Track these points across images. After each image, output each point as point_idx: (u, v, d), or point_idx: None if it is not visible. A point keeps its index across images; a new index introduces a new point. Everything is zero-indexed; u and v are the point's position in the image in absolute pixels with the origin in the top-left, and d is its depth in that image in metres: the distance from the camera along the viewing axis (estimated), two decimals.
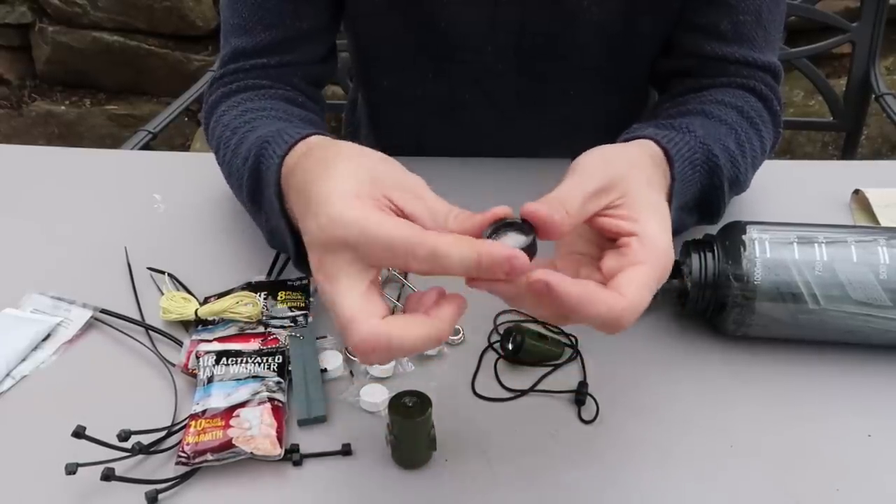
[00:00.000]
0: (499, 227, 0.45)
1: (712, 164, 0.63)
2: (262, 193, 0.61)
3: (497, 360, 0.63)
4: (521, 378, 0.61)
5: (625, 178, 0.49)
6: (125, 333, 0.65)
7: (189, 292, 0.68)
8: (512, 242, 0.45)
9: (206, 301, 0.66)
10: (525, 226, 0.45)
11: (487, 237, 0.45)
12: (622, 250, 0.47)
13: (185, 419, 0.56)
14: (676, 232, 0.59)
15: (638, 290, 0.45)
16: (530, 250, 0.44)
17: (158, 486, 0.51)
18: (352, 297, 0.44)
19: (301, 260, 0.57)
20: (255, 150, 0.60)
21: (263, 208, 0.62)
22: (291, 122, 0.68)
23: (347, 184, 0.46)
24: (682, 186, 0.59)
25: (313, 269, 0.46)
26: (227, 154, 0.68)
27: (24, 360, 0.63)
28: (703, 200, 0.65)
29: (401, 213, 0.46)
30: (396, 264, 0.44)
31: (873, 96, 1.36)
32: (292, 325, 0.64)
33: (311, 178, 0.49)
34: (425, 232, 0.44)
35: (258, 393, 0.57)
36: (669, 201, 0.57)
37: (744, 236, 0.61)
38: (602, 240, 0.51)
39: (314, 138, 0.57)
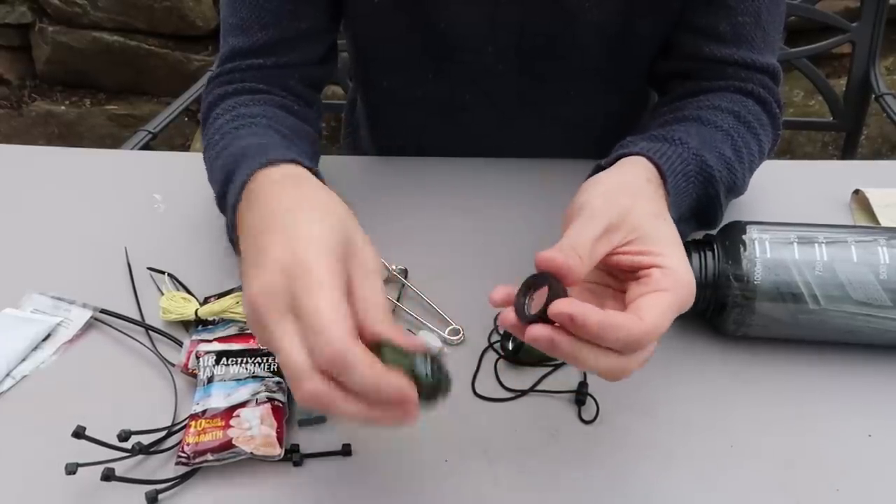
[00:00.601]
0: (528, 284, 0.47)
1: (707, 174, 0.63)
2: (224, 208, 0.62)
3: (497, 360, 0.63)
4: (521, 378, 0.61)
5: (631, 212, 0.50)
6: (125, 333, 0.65)
7: (189, 292, 0.68)
8: (536, 305, 0.46)
9: (206, 301, 0.66)
10: (548, 278, 0.46)
11: (522, 296, 0.46)
12: (643, 280, 0.48)
13: (185, 419, 0.56)
14: None
15: (659, 314, 0.46)
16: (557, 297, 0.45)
17: (158, 487, 0.51)
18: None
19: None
20: (231, 162, 0.61)
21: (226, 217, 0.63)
22: (278, 131, 0.69)
23: (317, 229, 0.46)
24: (678, 199, 0.59)
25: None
26: (213, 155, 0.68)
27: (24, 360, 0.63)
28: (699, 210, 0.65)
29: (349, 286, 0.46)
30: (310, 342, 0.42)
31: (873, 96, 1.36)
32: None
33: (284, 204, 0.50)
34: (350, 335, 0.41)
35: (258, 393, 0.57)
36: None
37: (744, 236, 0.61)
38: (617, 272, 0.51)
39: (280, 169, 0.56)
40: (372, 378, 0.41)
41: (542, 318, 0.45)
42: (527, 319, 0.45)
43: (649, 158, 0.58)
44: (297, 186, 0.54)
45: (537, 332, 0.44)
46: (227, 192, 0.61)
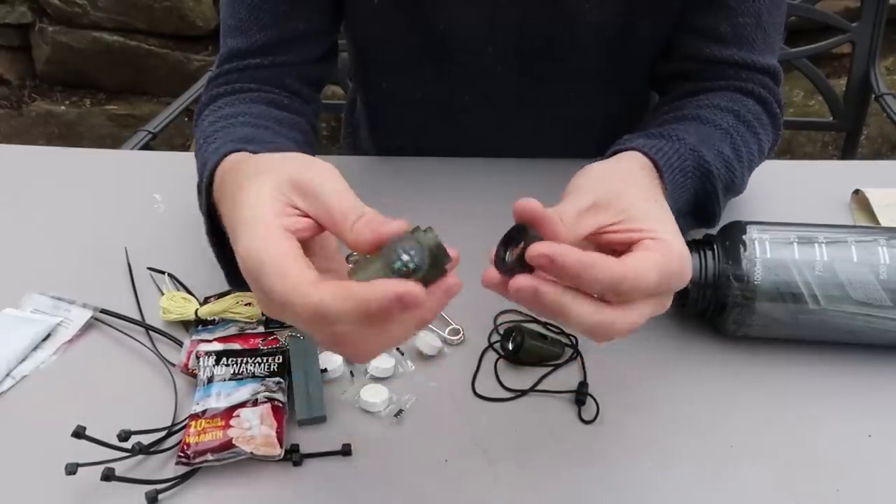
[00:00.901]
0: (507, 239, 0.45)
1: (704, 169, 0.63)
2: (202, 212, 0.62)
3: (497, 360, 0.63)
4: (521, 378, 0.61)
5: (620, 194, 0.49)
6: (125, 333, 0.65)
7: (189, 292, 0.68)
8: (516, 253, 0.44)
9: (206, 301, 0.66)
10: (527, 230, 0.44)
11: (502, 250, 0.44)
12: (635, 246, 0.46)
13: (186, 419, 0.56)
14: None
15: (643, 266, 0.44)
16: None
17: (158, 486, 0.51)
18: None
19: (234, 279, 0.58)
20: (200, 168, 0.62)
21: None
22: (257, 127, 0.68)
23: (256, 200, 0.45)
24: (675, 193, 0.59)
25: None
26: (196, 153, 0.69)
27: (24, 360, 0.63)
28: (697, 206, 0.65)
29: (306, 215, 0.45)
30: (288, 317, 0.43)
31: (873, 96, 1.36)
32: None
33: (227, 207, 0.49)
34: (310, 288, 0.41)
35: (258, 393, 0.57)
36: None
37: (744, 236, 0.61)
38: (609, 252, 0.50)
39: (227, 160, 0.56)
40: (355, 309, 0.40)
41: (521, 266, 0.43)
42: (505, 268, 0.44)
43: (645, 153, 0.58)
44: (231, 179, 0.52)
45: (521, 282, 0.42)
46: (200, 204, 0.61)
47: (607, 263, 0.43)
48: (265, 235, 0.43)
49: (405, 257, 0.41)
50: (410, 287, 0.39)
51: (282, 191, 0.45)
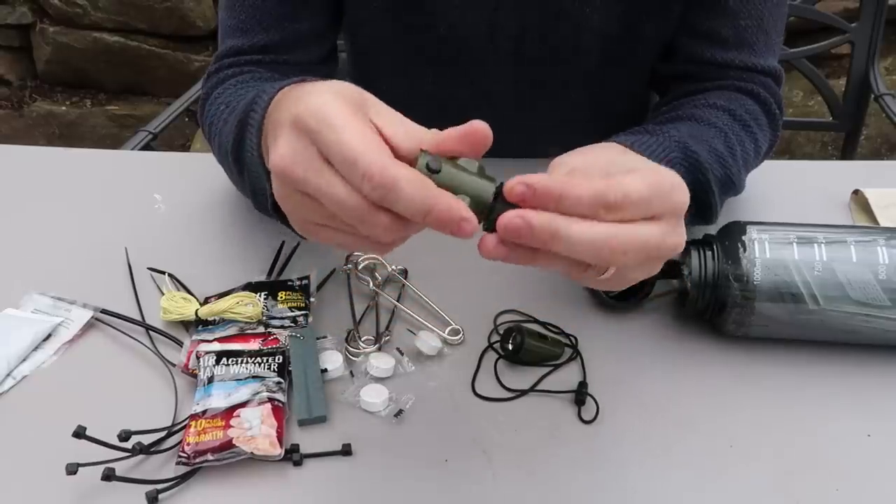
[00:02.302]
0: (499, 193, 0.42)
1: (692, 160, 0.62)
2: (244, 141, 0.57)
3: (497, 360, 0.63)
4: (521, 378, 0.61)
5: (598, 158, 0.48)
6: (125, 333, 0.65)
7: (189, 292, 0.68)
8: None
9: (206, 301, 0.66)
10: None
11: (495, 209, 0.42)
12: None
13: (186, 419, 0.56)
14: None
15: (630, 179, 0.41)
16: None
17: (159, 486, 0.51)
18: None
19: (276, 204, 0.53)
20: (245, 106, 0.57)
21: (245, 159, 0.59)
22: (270, 83, 0.65)
23: (335, 86, 0.43)
24: None
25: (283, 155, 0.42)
26: (219, 126, 0.66)
27: (24, 360, 0.63)
28: (692, 199, 0.65)
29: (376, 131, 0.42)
30: (351, 178, 0.39)
31: (873, 96, 1.36)
32: (292, 325, 0.64)
33: (299, 94, 0.46)
34: (390, 159, 0.38)
35: (258, 393, 0.57)
36: None
37: (743, 236, 0.61)
38: None
39: (306, 81, 0.53)
40: (422, 203, 0.38)
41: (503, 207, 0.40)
42: (493, 227, 0.40)
43: (627, 147, 0.57)
44: (315, 82, 0.49)
45: (507, 216, 0.39)
46: (246, 133, 0.56)
47: (588, 180, 0.40)
48: (342, 101, 0.41)
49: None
50: (472, 217, 0.38)
51: (363, 95, 0.43)
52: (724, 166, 0.65)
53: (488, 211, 0.41)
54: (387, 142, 0.41)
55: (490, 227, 0.41)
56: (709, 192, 0.65)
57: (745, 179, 0.71)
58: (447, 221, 0.38)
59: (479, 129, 0.41)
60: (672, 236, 0.43)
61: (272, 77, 0.73)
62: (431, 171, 0.39)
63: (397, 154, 0.41)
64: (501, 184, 0.41)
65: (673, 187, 0.44)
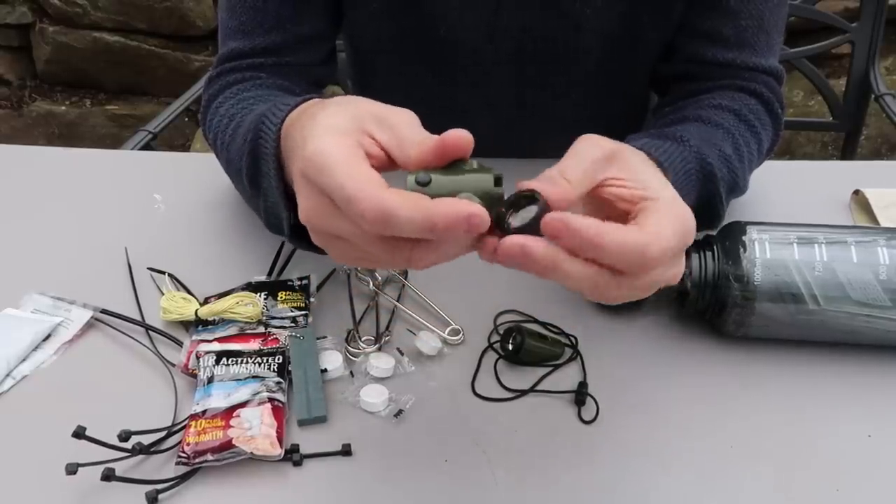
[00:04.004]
0: (516, 199, 0.42)
1: (707, 171, 0.63)
2: (259, 169, 0.59)
3: (497, 360, 0.63)
4: (521, 378, 0.61)
5: (621, 151, 0.47)
6: (125, 334, 0.65)
7: (189, 292, 0.68)
8: (521, 218, 0.41)
9: (206, 301, 0.66)
10: (535, 196, 0.42)
11: (507, 212, 0.41)
12: (640, 214, 0.44)
13: (186, 419, 0.56)
14: None
15: (659, 226, 0.42)
16: (537, 221, 0.41)
17: (158, 487, 0.51)
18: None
19: (294, 233, 0.56)
20: (253, 127, 0.58)
21: (262, 185, 0.60)
22: (279, 100, 0.66)
23: (332, 119, 0.44)
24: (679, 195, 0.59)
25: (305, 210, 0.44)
26: (226, 140, 0.67)
27: (24, 360, 0.63)
28: (700, 208, 0.65)
29: (380, 147, 0.43)
30: (353, 219, 0.40)
31: (873, 96, 1.36)
32: (292, 325, 0.64)
33: (301, 131, 0.47)
34: (381, 191, 0.39)
35: (258, 393, 0.57)
36: None
37: (744, 237, 0.61)
38: (609, 211, 0.48)
39: (307, 102, 0.55)
40: (423, 220, 0.38)
41: (527, 233, 0.40)
42: (507, 233, 0.40)
43: (649, 154, 0.57)
44: (312, 109, 0.51)
45: (508, 245, 0.40)
46: (259, 158, 0.57)
47: (627, 228, 0.41)
48: (337, 141, 0.42)
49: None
50: (479, 209, 0.38)
51: (360, 117, 0.44)
52: (732, 171, 0.66)
53: (489, 203, 0.40)
54: (389, 155, 0.43)
55: (497, 223, 0.41)
56: (718, 203, 0.65)
57: (748, 181, 0.71)
58: (456, 224, 0.38)
59: (453, 137, 0.41)
60: (672, 269, 0.44)
61: (273, 84, 0.73)
62: (422, 185, 0.40)
63: (403, 164, 0.42)
64: (500, 175, 0.41)
65: (691, 226, 0.45)
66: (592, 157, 0.45)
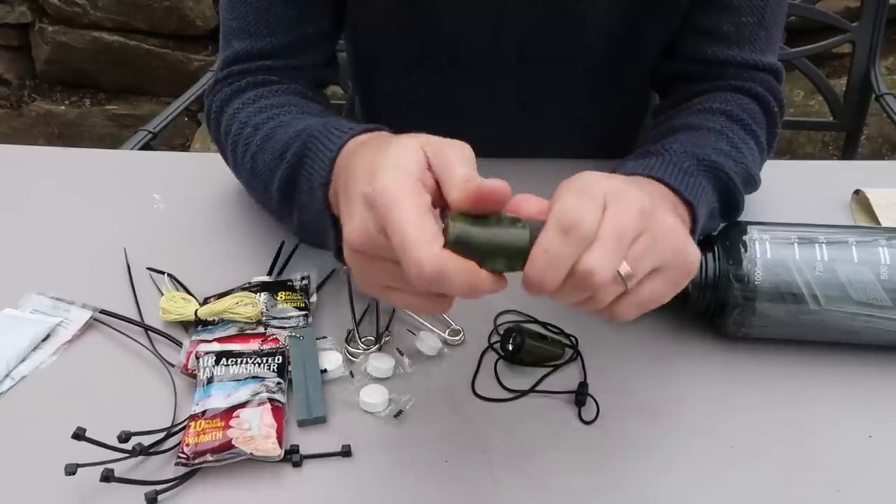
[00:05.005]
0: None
1: (708, 163, 0.62)
2: (297, 186, 0.61)
3: (497, 360, 0.62)
4: (521, 378, 0.61)
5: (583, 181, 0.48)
6: (125, 334, 0.65)
7: (189, 292, 0.68)
8: None
9: (205, 301, 0.66)
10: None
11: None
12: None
13: (185, 420, 0.56)
14: (703, 236, 0.60)
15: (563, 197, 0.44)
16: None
17: (158, 487, 0.51)
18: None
19: (340, 252, 0.56)
20: (297, 145, 0.60)
21: (297, 202, 0.62)
22: (323, 117, 0.67)
23: (402, 155, 0.46)
24: (694, 195, 0.58)
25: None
26: (251, 150, 0.67)
27: (23, 360, 0.63)
28: (722, 200, 0.64)
29: (433, 177, 0.46)
30: (404, 264, 0.42)
31: (873, 96, 1.36)
32: (292, 325, 0.64)
33: (366, 158, 0.49)
34: (437, 251, 0.41)
35: (258, 393, 0.57)
36: (694, 218, 0.57)
37: (744, 237, 0.61)
38: None
39: (366, 135, 0.57)
40: (467, 282, 0.41)
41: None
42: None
43: (634, 173, 0.58)
44: (380, 140, 0.53)
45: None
46: (301, 175, 0.60)
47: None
48: (408, 181, 0.43)
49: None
50: (503, 283, 0.42)
51: (424, 146, 0.46)
52: (737, 162, 0.66)
53: (522, 258, 0.43)
54: (442, 188, 0.45)
55: None
56: (737, 194, 0.64)
57: (760, 174, 0.71)
58: (486, 293, 0.42)
59: (490, 190, 0.43)
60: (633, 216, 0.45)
61: (291, 90, 0.73)
62: (462, 244, 0.42)
63: (449, 197, 0.44)
64: (532, 227, 0.43)
65: (587, 185, 0.45)
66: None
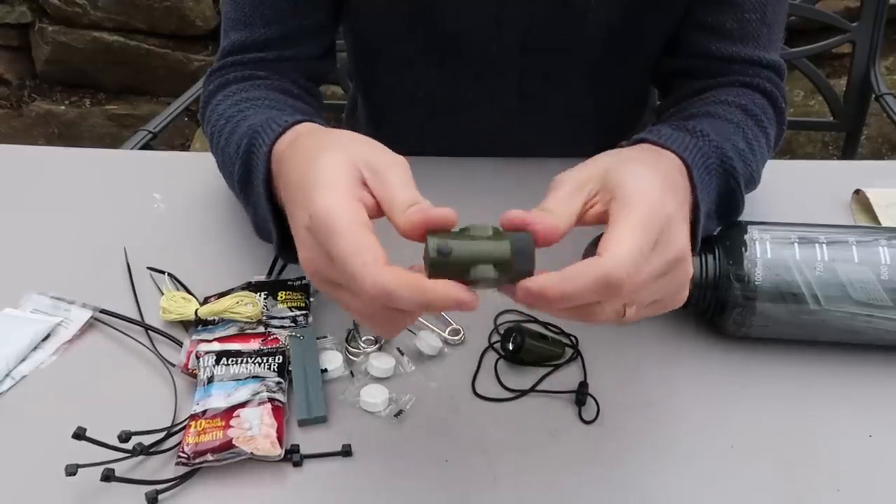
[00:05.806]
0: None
1: (728, 166, 0.62)
2: (251, 183, 0.61)
3: (497, 360, 0.62)
4: (522, 378, 0.61)
5: (598, 166, 0.49)
6: (125, 333, 0.65)
7: (189, 292, 0.68)
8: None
9: (206, 301, 0.66)
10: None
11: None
12: (609, 222, 0.46)
13: (186, 419, 0.56)
14: (702, 238, 0.59)
15: (619, 242, 0.43)
16: (524, 257, 0.43)
17: (158, 487, 0.51)
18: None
19: (284, 248, 0.59)
20: (245, 140, 0.61)
21: (251, 198, 0.63)
22: (283, 110, 0.68)
23: (333, 173, 0.47)
24: (702, 194, 0.58)
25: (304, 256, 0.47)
26: (221, 142, 0.68)
27: (23, 360, 0.63)
28: (721, 203, 0.65)
29: (372, 197, 0.47)
30: (351, 288, 0.44)
31: (873, 96, 1.36)
32: (292, 325, 0.64)
33: (298, 171, 0.50)
34: (381, 270, 0.42)
35: (258, 393, 0.57)
36: (694, 208, 0.56)
37: (745, 236, 0.61)
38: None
39: (302, 126, 0.58)
40: (420, 301, 0.41)
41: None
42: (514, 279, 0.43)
43: (670, 148, 0.56)
44: (307, 144, 0.53)
45: (522, 293, 0.43)
46: (251, 172, 0.60)
47: (579, 269, 0.42)
48: (340, 202, 0.44)
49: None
50: (470, 297, 0.41)
51: (357, 165, 0.47)
52: (747, 165, 0.65)
53: (510, 268, 0.42)
54: (384, 210, 0.46)
55: (515, 279, 0.43)
56: (738, 198, 0.64)
57: (761, 174, 0.71)
58: (448, 307, 0.41)
59: (438, 218, 0.44)
60: (664, 255, 0.46)
61: (271, 86, 0.74)
62: (443, 256, 0.42)
63: (392, 221, 0.45)
64: (516, 238, 0.43)
65: (649, 217, 0.45)
66: (568, 188, 0.47)
